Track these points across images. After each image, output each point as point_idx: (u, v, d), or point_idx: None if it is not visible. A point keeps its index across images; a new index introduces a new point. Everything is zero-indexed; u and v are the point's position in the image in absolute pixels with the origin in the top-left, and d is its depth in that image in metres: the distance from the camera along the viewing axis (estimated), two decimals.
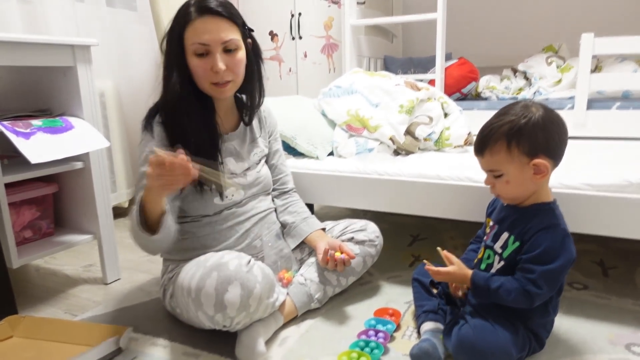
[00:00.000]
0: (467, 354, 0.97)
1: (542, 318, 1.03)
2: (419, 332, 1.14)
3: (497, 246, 1.06)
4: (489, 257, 1.08)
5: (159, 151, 0.93)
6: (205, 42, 1.12)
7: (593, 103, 2.01)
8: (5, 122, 1.25)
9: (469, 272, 1.05)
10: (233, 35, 1.15)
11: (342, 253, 1.23)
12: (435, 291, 1.19)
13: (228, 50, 1.15)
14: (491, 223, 1.12)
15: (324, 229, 1.38)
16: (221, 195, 1.22)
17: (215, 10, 1.12)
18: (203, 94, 1.19)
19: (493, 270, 1.06)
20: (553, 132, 0.97)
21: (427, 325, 1.11)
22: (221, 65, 1.13)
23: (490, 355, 0.95)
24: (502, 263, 1.04)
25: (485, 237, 1.12)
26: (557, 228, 0.98)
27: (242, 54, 1.18)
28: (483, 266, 1.08)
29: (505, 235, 1.04)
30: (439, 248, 1.11)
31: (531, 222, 1.00)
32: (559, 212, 1.03)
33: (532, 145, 0.96)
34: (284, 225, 1.40)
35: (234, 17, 1.15)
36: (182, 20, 1.13)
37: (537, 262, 0.96)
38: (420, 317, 1.15)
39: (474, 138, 1.05)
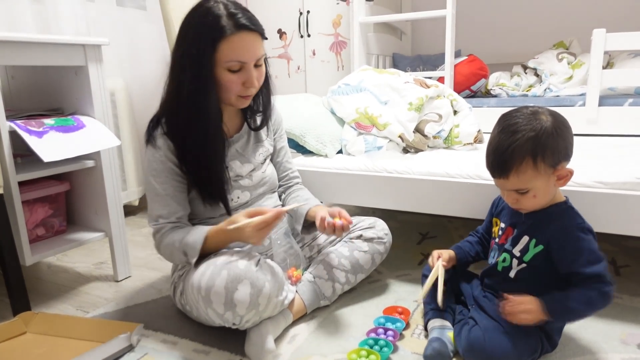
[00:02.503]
0: (477, 357, 0.97)
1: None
2: (426, 329, 1.14)
3: (516, 250, 1.05)
4: (504, 260, 1.07)
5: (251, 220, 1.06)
6: (244, 60, 1.11)
7: (605, 100, 1.99)
8: (18, 121, 1.27)
9: (536, 302, 0.96)
10: (263, 49, 1.15)
11: (340, 219, 1.20)
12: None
13: (258, 65, 1.15)
14: (502, 225, 1.11)
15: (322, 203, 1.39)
16: (228, 210, 1.23)
17: (250, 27, 1.10)
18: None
19: (512, 273, 1.05)
20: (568, 136, 0.97)
21: (435, 322, 1.11)
22: (256, 82, 1.15)
23: (501, 359, 0.95)
24: (523, 265, 1.03)
25: (499, 241, 1.11)
26: (584, 225, 0.99)
27: (265, 66, 1.19)
28: (499, 268, 1.07)
29: (525, 238, 1.03)
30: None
31: (554, 225, 0.99)
32: (576, 209, 1.03)
33: (556, 155, 0.95)
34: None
35: (263, 31, 1.15)
36: (215, 34, 1.07)
37: (592, 263, 0.95)
38: (427, 314, 1.15)
39: (484, 135, 1.04)
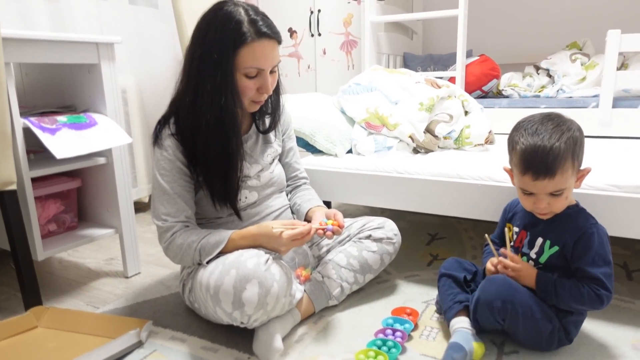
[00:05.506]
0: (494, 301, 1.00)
1: (577, 316, 1.05)
2: (448, 324, 1.10)
3: (532, 252, 1.07)
4: None
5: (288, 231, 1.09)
6: (262, 67, 1.12)
7: (619, 101, 1.96)
8: (31, 118, 1.28)
9: (534, 272, 1.04)
10: (279, 56, 1.17)
11: (334, 223, 1.18)
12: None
13: (272, 71, 1.17)
14: (516, 229, 1.12)
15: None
16: (237, 213, 1.24)
17: (271, 35, 1.11)
18: None
19: None
20: (584, 139, 1.02)
21: (460, 322, 1.06)
22: (270, 89, 1.16)
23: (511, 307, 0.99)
24: (539, 267, 1.06)
25: (514, 244, 1.12)
26: (598, 226, 1.02)
27: (277, 71, 1.21)
28: None
29: (539, 240, 1.06)
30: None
31: (568, 225, 1.02)
32: (587, 211, 1.06)
33: (582, 156, 1.01)
34: (292, 210, 1.41)
35: (281, 39, 1.16)
36: (236, 39, 1.08)
37: (595, 264, 0.98)
38: (452, 307, 1.09)
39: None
